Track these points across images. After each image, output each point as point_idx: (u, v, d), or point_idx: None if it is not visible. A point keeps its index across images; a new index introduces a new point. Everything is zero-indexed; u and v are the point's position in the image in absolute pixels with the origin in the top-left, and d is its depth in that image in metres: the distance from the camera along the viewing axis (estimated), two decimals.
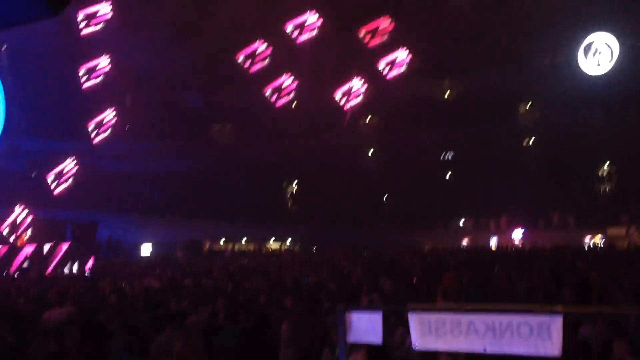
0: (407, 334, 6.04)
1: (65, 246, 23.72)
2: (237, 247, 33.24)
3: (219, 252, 31.15)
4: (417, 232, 31.58)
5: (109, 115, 29.23)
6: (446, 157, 39.61)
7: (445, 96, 37.04)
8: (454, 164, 39.01)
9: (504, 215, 30.81)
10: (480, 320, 3.08)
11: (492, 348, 3.03)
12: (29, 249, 22.54)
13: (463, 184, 36.19)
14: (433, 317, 3.23)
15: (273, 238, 34.78)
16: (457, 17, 27.34)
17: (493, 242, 29.09)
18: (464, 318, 3.13)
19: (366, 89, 29.88)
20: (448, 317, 3.19)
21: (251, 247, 34.04)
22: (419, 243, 27.21)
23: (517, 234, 29.38)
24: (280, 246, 34.56)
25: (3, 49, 26.25)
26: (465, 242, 29.68)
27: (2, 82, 26.55)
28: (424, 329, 3.24)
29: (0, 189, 25.69)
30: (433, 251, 23.14)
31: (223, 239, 34.03)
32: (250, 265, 18.96)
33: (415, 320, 3.26)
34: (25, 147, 28.25)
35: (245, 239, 34.55)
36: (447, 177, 37.83)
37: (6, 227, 24.40)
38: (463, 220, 34.19)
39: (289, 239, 35.19)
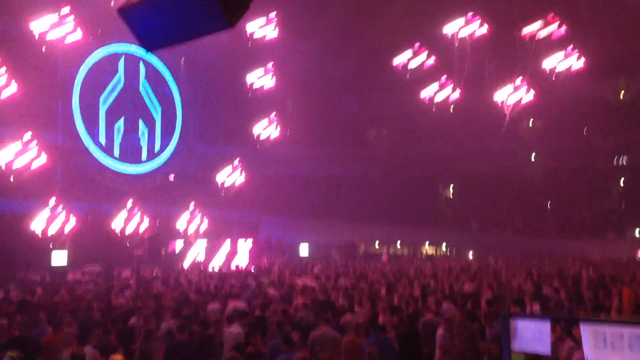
0: (577, 347, 5.66)
1: (234, 243, 25.43)
2: (392, 250, 33.26)
3: (374, 255, 31.42)
4: (587, 242, 29.37)
5: (272, 121, 30.77)
6: (620, 162, 36.52)
7: (621, 97, 34.23)
8: (628, 169, 35.83)
9: None
10: None
11: None
12: (201, 245, 24.45)
13: (638, 190, 33.14)
14: (609, 330, 2.99)
15: (428, 242, 34.34)
16: (632, 12, 24.98)
17: None
18: None
19: (529, 90, 28.37)
20: (626, 331, 2.94)
21: (406, 250, 33.90)
22: (588, 254, 25.26)
23: None
24: (436, 250, 34.04)
25: (182, 61, 28.73)
26: None
27: (180, 92, 29.15)
28: (598, 343, 3.01)
29: (178, 189, 28.15)
30: (604, 262, 21.38)
31: (377, 242, 34.27)
32: (405, 270, 18.86)
33: (588, 332, 3.04)
34: (198, 151, 30.69)
35: (399, 242, 34.50)
36: (621, 183, 34.84)
37: (182, 223, 26.60)
38: (639, 230, 31.21)
39: (444, 244, 34.55)
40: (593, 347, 3.03)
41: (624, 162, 36.49)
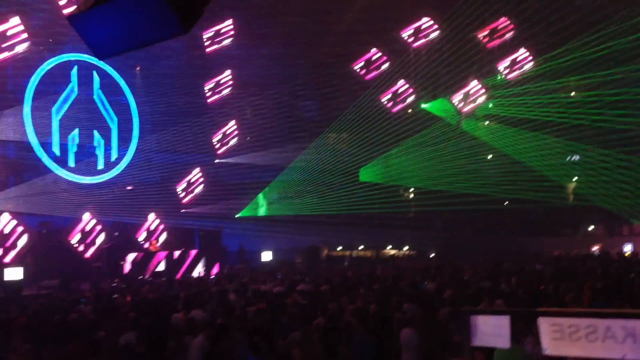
0: (537, 343, 5.78)
1: (193, 253, 25.25)
2: (355, 253, 33.45)
3: (337, 258, 31.55)
4: (543, 240, 30.13)
5: (231, 128, 30.61)
6: (572, 159, 37.51)
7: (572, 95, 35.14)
8: (580, 166, 36.86)
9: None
10: (618, 325, 2.88)
11: (632, 355, 2.82)
12: (161, 255, 24.14)
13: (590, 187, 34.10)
14: (566, 322, 3.06)
15: (390, 245, 34.65)
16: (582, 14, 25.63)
17: (628, 249, 27.06)
18: (601, 323, 2.94)
19: (483, 92, 29.00)
20: (583, 322, 3.01)
21: (369, 253, 34.13)
22: (545, 251, 25.90)
23: None
24: (398, 252, 34.38)
25: (137, 70, 28.26)
26: (596, 248, 27.84)
27: (136, 101, 28.68)
28: (556, 335, 3.08)
29: (136, 200, 27.70)
30: (563, 257, 21.97)
31: (340, 247, 34.40)
32: (367, 272, 18.98)
33: (546, 325, 3.11)
34: (156, 161, 30.24)
35: (362, 246, 34.70)
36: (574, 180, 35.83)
37: (141, 234, 26.21)
38: (592, 227, 32.18)
39: (406, 246, 34.91)
40: (551, 340, 3.09)
41: (576, 160, 37.48)
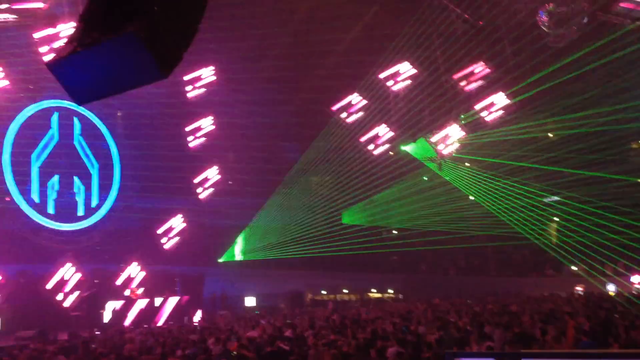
0: None
1: (175, 300, 24.84)
2: (338, 297, 33.12)
3: (321, 302, 31.20)
4: (526, 279, 30.17)
5: (212, 172, 30.55)
6: (551, 200, 37.97)
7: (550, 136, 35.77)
8: (560, 206, 37.23)
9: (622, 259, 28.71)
10: None
11: None
12: (142, 303, 23.68)
13: (570, 227, 34.43)
14: None
15: (374, 289, 34.40)
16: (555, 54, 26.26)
17: (611, 288, 27.09)
18: None
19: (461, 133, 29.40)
20: None
21: (353, 297, 33.82)
22: (528, 290, 25.88)
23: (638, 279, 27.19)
24: (383, 295, 34.13)
25: (118, 115, 28.27)
26: (579, 288, 27.85)
27: (117, 146, 28.60)
28: None
29: (118, 246, 27.32)
30: (546, 298, 21.96)
31: (324, 291, 34.08)
32: (351, 315, 18.76)
33: None
34: (138, 206, 29.99)
35: (346, 290, 34.41)
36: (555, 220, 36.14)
37: (121, 281, 25.75)
38: (574, 267, 32.25)
39: (390, 290, 34.69)
40: None
41: (556, 200, 37.86)
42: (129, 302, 23.59)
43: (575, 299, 21.31)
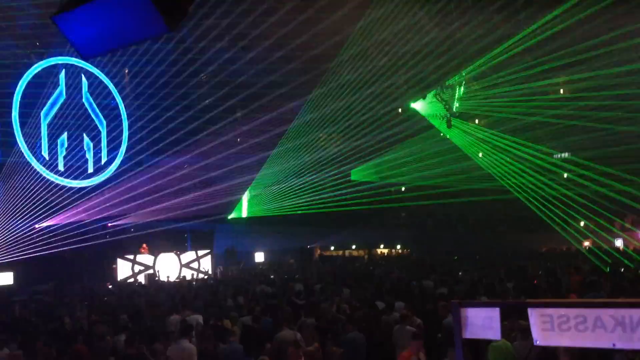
0: (524, 338, 5.83)
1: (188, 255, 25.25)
2: (347, 253, 33.47)
3: (330, 258, 31.55)
4: (534, 236, 30.28)
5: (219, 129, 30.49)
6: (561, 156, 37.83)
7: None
8: (570, 163, 37.08)
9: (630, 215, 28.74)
10: (608, 315, 2.91)
11: (621, 344, 2.84)
12: (151, 259, 24.10)
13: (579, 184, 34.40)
14: (555, 313, 3.08)
15: (382, 244, 34.70)
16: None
17: (619, 243, 27.23)
18: (590, 313, 2.96)
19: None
20: (572, 313, 3.03)
21: (362, 253, 34.15)
22: (536, 246, 26.02)
23: None
24: (390, 251, 34.44)
25: (125, 72, 28.08)
26: (587, 243, 27.99)
27: (124, 103, 28.54)
28: (546, 325, 3.11)
29: (128, 202, 27.54)
30: (550, 251, 22.09)
31: (333, 247, 34.42)
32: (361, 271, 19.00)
33: (535, 316, 3.13)
34: (146, 163, 30.09)
35: (354, 246, 34.73)
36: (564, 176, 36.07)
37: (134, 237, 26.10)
38: (583, 223, 32.29)
39: (398, 245, 34.97)
40: (541, 330, 3.12)
41: (566, 157, 37.69)
42: (140, 257, 24.01)
43: (582, 254, 21.44)
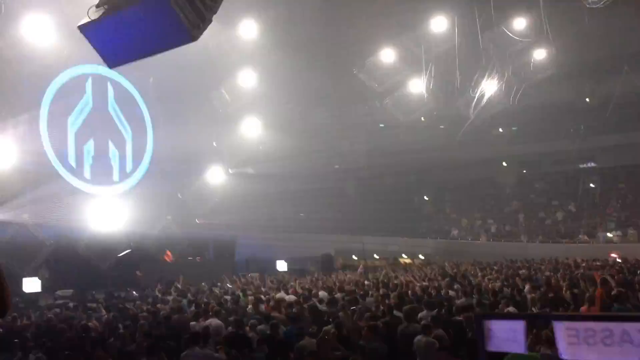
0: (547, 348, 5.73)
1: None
2: (369, 262, 33.29)
3: (351, 266, 31.39)
4: (559, 245, 29.87)
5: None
6: (587, 165, 37.42)
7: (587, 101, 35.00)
8: (596, 172, 36.67)
9: None
10: (635, 329, 2.85)
11: None
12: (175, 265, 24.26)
13: (606, 193, 34.00)
14: (582, 326, 3.03)
15: (404, 254, 34.47)
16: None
17: None
18: (616, 327, 2.90)
19: (499, 96, 28.63)
20: (598, 326, 2.98)
21: (384, 262, 33.95)
22: (562, 256, 25.59)
23: None
24: (413, 260, 34.18)
25: (150, 80, 28.26)
26: (613, 255, 27.44)
27: (150, 112, 28.78)
28: (572, 339, 3.05)
29: (152, 209, 27.67)
30: (579, 264, 21.70)
31: (354, 256, 34.28)
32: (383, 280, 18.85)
33: (561, 330, 3.08)
34: (170, 171, 30.28)
35: (376, 255, 34.56)
36: (591, 186, 35.63)
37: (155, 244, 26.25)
38: (609, 234, 31.72)
39: (420, 255, 34.71)
40: (567, 344, 3.06)
41: (592, 165, 37.27)
42: (163, 264, 24.17)
43: (609, 266, 20.99)
